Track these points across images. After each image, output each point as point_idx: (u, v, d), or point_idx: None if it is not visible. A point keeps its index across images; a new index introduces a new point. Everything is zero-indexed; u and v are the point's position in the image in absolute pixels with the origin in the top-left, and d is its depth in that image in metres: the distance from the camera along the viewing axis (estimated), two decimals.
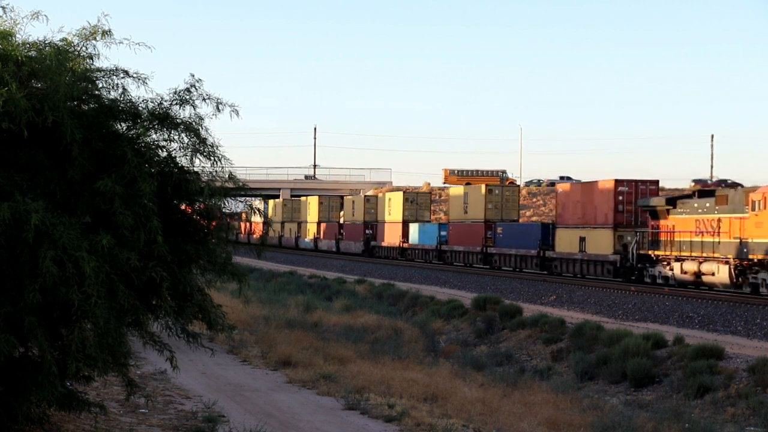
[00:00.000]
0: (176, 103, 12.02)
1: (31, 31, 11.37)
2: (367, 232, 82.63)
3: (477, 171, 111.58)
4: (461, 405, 18.06)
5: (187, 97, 12.07)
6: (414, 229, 73.28)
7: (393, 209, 77.95)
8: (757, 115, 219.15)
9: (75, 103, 11.48)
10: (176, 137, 11.98)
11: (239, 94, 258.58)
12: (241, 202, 13.67)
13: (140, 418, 14.79)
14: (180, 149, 12.05)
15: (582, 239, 50.33)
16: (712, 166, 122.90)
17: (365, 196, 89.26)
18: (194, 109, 12.08)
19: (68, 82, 10.99)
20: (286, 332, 27.37)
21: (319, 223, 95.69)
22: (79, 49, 11.57)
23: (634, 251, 45.09)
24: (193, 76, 12.16)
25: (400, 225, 75.53)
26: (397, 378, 20.31)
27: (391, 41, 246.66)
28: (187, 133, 11.98)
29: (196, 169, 12.08)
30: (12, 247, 10.03)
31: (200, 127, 12.06)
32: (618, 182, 48.67)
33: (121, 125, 11.88)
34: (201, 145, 12.05)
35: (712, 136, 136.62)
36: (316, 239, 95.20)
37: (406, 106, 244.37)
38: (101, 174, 10.80)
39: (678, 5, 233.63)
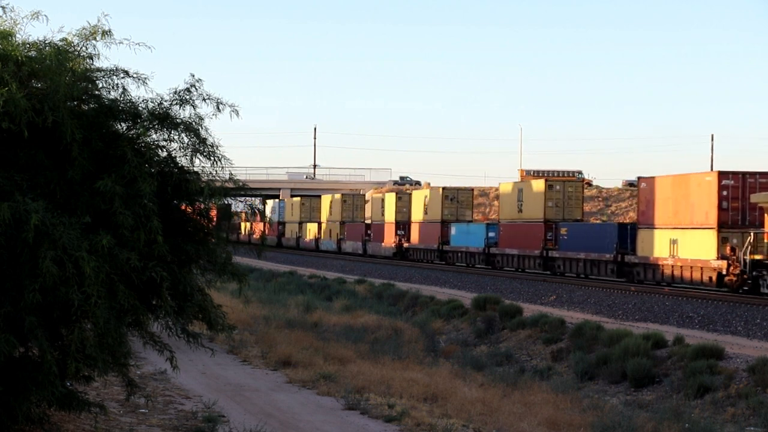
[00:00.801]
0: (176, 103, 12.03)
1: (31, 31, 11.39)
2: (398, 233, 75.88)
3: (553, 171, 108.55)
4: (461, 405, 18.05)
5: (187, 97, 12.08)
6: (455, 229, 66.41)
7: (430, 208, 71.21)
8: (757, 115, 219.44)
9: (75, 103, 11.48)
10: (176, 137, 11.99)
11: (239, 94, 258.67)
12: (241, 202, 13.68)
13: (140, 418, 14.78)
14: (180, 149, 12.06)
15: (673, 242, 43.55)
16: (712, 167, 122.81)
17: (397, 193, 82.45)
18: (194, 109, 12.10)
19: (68, 82, 10.99)
20: (286, 332, 27.36)
21: (342, 224, 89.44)
22: (79, 49, 11.57)
23: (746, 257, 37.97)
24: (193, 76, 12.19)
25: (439, 225, 68.79)
26: (397, 378, 20.30)
27: (391, 41, 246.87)
28: (187, 133, 11.98)
29: (196, 169, 12.10)
30: (12, 247, 10.03)
31: (200, 127, 12.08)
32: (722, 174, 41.74)
33: (121, 125, 11.88)
34: (201, 145, 12.06)
35: (712, 136, 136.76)
36: (339, 241, 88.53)
37: (406, 106, 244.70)
38: (101, 174, 10.80)
39: (678, 5, 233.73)
